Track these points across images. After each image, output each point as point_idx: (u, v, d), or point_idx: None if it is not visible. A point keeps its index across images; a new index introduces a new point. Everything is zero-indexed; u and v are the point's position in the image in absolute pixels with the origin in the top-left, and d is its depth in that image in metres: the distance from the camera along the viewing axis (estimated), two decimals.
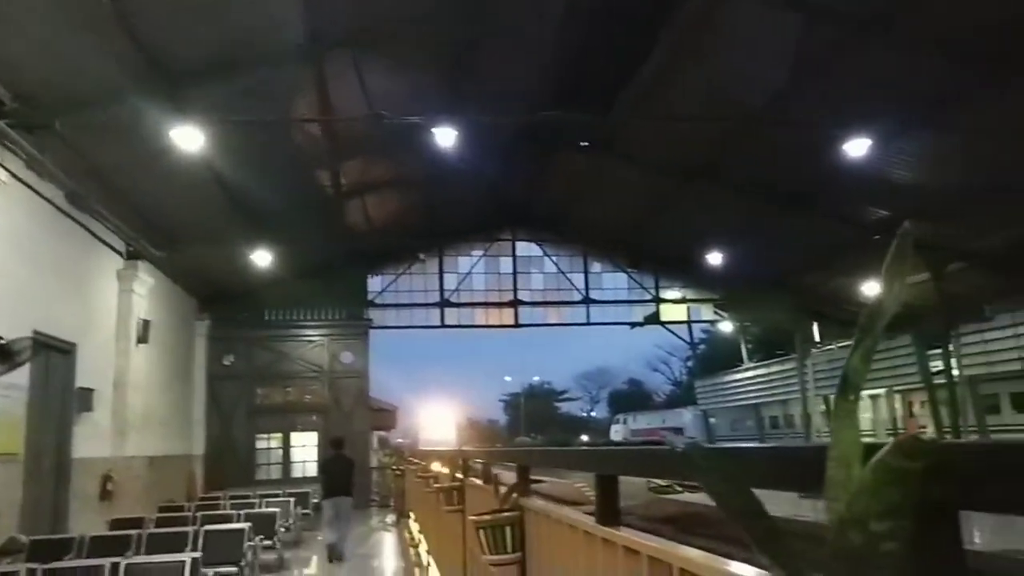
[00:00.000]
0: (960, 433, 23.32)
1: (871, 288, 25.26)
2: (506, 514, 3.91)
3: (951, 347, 23.77)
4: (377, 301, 29.47)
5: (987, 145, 16.25)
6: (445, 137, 14.61)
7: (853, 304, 28.24)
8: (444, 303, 30.07)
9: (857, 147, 15.40)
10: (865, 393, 32.80)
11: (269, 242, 20.92)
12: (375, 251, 27.86)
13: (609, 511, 2.57)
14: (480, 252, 30.56)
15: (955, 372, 23.84)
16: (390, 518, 22.30)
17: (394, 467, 25.92)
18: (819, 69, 15.62)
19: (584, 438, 76.35)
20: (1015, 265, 21.78)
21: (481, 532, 3.85)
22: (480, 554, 4.00)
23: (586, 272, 30.83)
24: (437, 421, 37.50)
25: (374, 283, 29.62)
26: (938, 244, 21.57)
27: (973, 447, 0.95)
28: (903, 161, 18.37)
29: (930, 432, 28.45)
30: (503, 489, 4.36)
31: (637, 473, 2.39)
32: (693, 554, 1.89)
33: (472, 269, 30.49)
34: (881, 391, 32.98)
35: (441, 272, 30.23)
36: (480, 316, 30.75)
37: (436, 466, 10.23)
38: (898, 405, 33.25)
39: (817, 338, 32.37)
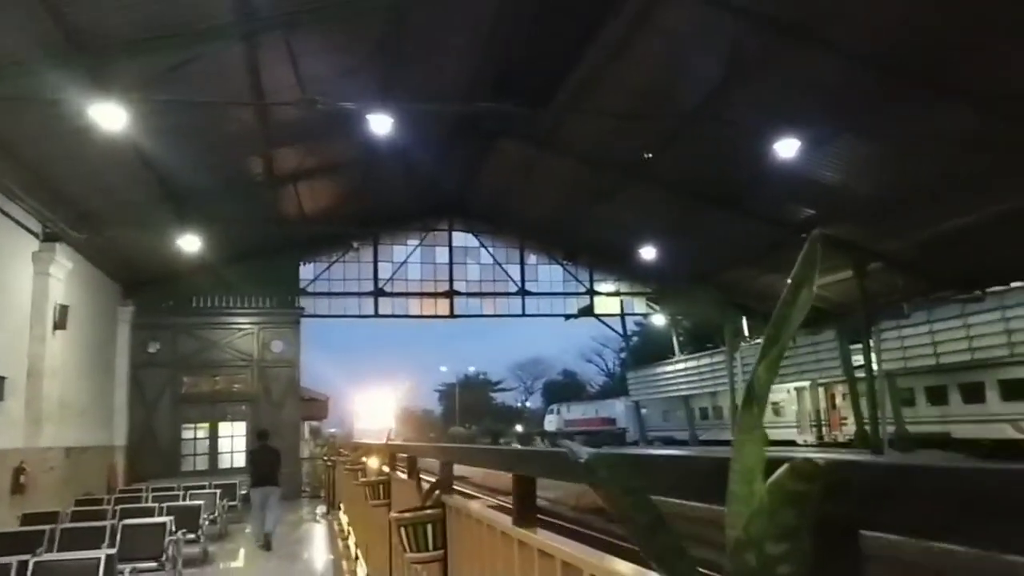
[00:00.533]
0: (878, 425, 24.18)
1: None
2: (427, 512, 3.86)
3: (871, 343, 24.63)
4: (310, 289, 28.95)
5: (907, 152, 16.88)
6: (380, 124, 14.39)
7: (779, 299, 29.02)
8: (378, 292, 29.74)
9: (787, 147, 15.80)
10: (791, 386, 34.06)
11: (198, 227, 20.29)
12: (308, 239, 27.35)
13: (526, 512, 2.55)
14: (416, 241, 30.31)
15: (874, 366, 24.72)
16: (320, 509, 21.98)
17: (325, 458, 25.59)
18: (753, 72, 15.96)
19: (518, 428, 76.78)
20: (929, 266, 22.74)
21: (402, 530, 3.79)
22: (402, 551, 3.94)
23: (522, 264, 30.91)
24: (373, 411, 37.13)
25: (306, 271, 29.07)
26: (860, 244, 22.34)
27: (870, 468, 0.95)
28: (830, 163, 18.92)
29: (851, 423, 29.55)
30: (426, 485, 4.31)
31: (552, 476, 2.35)
32: (607, 563, 1.87)
33: (408, 258, 30.22)
34: (806, 384, 34.05)
35: (376, 261, 29.88)
36: (415, 306, 30.54)
37: (365, 459, 10.10)
38: (822, 397, 34.40)
39: (746, 332, 33.19)
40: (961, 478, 0.83)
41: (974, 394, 26.40)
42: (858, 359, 26.64)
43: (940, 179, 17.64)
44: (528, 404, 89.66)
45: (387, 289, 29.83)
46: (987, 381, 25.80)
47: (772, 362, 0.99)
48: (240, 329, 26.96)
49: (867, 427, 25.43)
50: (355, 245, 28.78)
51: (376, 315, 30.21)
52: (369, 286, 29.84)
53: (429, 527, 3.80)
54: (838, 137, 17.31)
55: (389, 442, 8.09)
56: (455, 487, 4.06)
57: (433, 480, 4.32)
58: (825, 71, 15.31)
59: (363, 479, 7.95)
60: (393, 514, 4.17)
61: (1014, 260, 20.69)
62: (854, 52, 14.63)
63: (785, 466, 0.84)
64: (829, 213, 21.20)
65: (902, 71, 14.81)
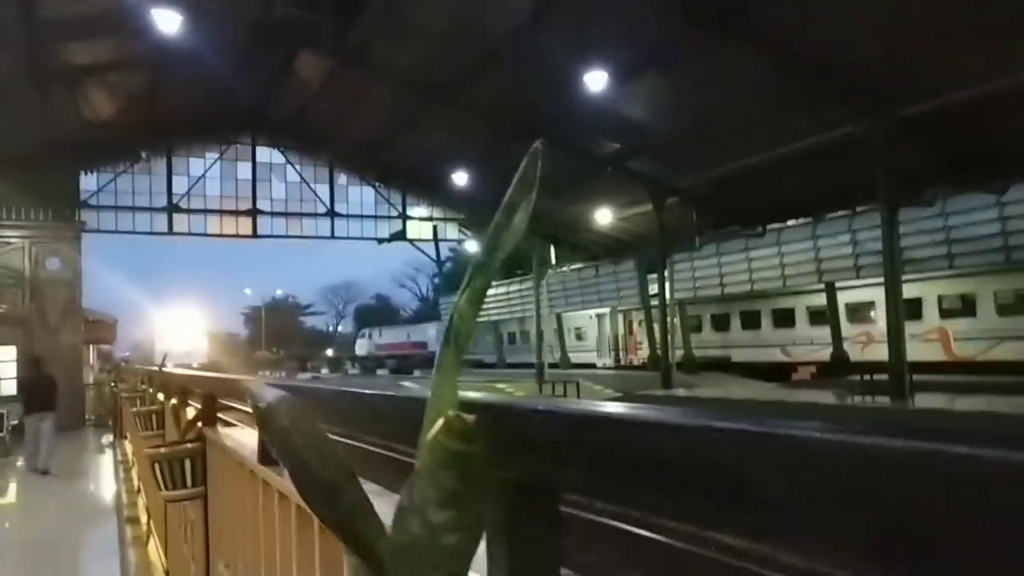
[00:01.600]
0: (669, 350, 25.96)
1: (602, 216, 27.07)
2: (185, 446, 3.51)
3: (666, 273, 26.20)
4: (92, 202, 26.28)
5: (703, 92, 17.69)
6: (168, 21, 12.95)
7: (585, 230, 30.15)
8: (173, 208, 27.59)
9: (595, 80, 16.08)
10: (593, 312, 35.81)
11: None
12: (89, 146, 24.59)
13: (268, 451, 2.31)
14: (215, 155, 28.25)
15: (668, 295, 26.39)
16: (107, 439, 20.49)
17: (113, 384, 23.78)
18: (563, 4, 15.96)
19: (329, 352, 75.67)
20: (719, 201, 24.40)
21: (157, 465, 3.43)
22: (157, 489, 3.59)
23: (331, 184, 29.79)
24: (177, 333, 34.92)
25: (89, 182, 26.31)
26: (659, 179, 23.51)
27: (548, 416, 0.80)
28: (635, 99, 19.53)
29: (645, 348, 31.64)
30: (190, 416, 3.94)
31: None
32: None
33: (206, 173, 28.16)
34: (606, 310, 35.94)
35: (170, 174, 27.58)
36: (215, 224, 28.68)
37: (144, 386, 9.35)
38: (621, 324, 36.51)
39: (553, 260, 34.30)
40: (650, 431, 0.69)
41: (752, 322, 29.06)
42: (654, 288, 28.33)
43: (732, 120, 18.71)
44: (340, 329, 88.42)
45: (183, 205, 27.72)
46: (763, 310, 28.45)
47: (476, 293, 0.79)
48: (6, 243, 24.02)
49: (660, 351, 27.28)
50: (144, 155, 26.32)
51: (170, 232, 28.10)
52: (162, 201, 27.59)
53: (188, 463, 3.46)
54: (642, 73, 17.82)
55: (162, 369, 7.48)
56: (226, 418, 3.74)
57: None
58: (631, 5, 15.57)
59: (135, 408, 7.33)
60: (147, 449, 3.79)
61: (792, 199, 22.63)
62: None
63: (439, 421, 0.68)
64: (633, 147, 22.04)
65: (698, 14, 15.37)
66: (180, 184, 27.79)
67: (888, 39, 14.70)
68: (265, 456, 2.34)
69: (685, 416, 0.67)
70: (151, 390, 7.24)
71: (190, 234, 28.37)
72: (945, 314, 22.70)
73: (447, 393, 0.85)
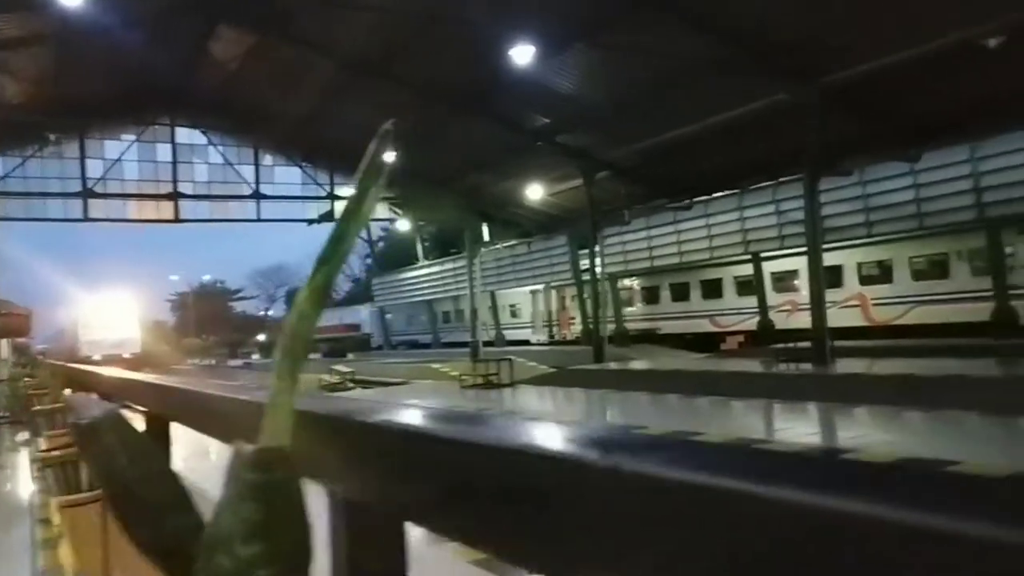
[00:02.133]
0: (600, 324, 26.20)
1: (534, 191, 27.04)
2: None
3: (597, 248, 26.36)
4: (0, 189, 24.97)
5: (631, 65, 17.73)
6: None
7: (517, 206, 30.10)
8: (88, 193, 26.41)
9: (523, 54, 15.93)
10: (527, 288, 35.90)
11: None
12: None
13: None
14: (132, 137, 27.11)
15: (599, 270, 26.59)
16: (22, 436, 19.61)
17: (28, 379, 22.76)
18: None
19: (261, 337, 74.21)
20: (647, 174, 24.63)
21: (48, 470, 3.23)
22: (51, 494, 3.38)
23: (257, 165, 28.95)
24: (106, 322, 33.17)
25: None
26: (589, 153, 23.57)
27: (362, 428, 0.72)
28: (564, 72, 19.48)
29: (579, 323, 31.91)
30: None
31: (187, 422, 1.99)
32: None
33: (122, 156, 27.00)
34: (540, 287, 36.07)
35: (83, 158, 26.36)
36: (134, 209, 27.61)
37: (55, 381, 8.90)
38: (554, 299, 36.71)
39: (486, 237, 34.18)
40: (471, 450, 0.61)
41: (681, 293, 29.57)
42: (586, 263, 28.51)
43: (660, 92, 18.84)
44: (271, 313, 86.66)
45: (98, 190, 26.56)
46: (691, 282, 28.98)
47: (318, 291, 0.69)
48: None
49: (592, 326, 27.53)
50: (52, 138, 25.06)
51: (86, 219, 26.93)
52: (77, 186, 26.39)
53: (83, 465, 3.27)
54: (571, 45, 17.76)
55: (66, 363, 7.10)
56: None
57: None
58: None
59: (39, 406, 6.98)
60: (38, 452, 3.56)
61: (719, 171, 22.98)
62: None
63: (233, 450, 0.61)
64: (563, 121, 22.01)
65: None
66: (95, 168, 26.62)
67: (808, 10, 14.96)
68: None
69: (497, 434, 0.60)
70: (57, 386, 6.88)
71: (107, 220, 27.25)
72: (864, 281, 23.50)
73: (284, 406, 0.76)
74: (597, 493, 0.43)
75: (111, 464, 0.88)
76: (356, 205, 0.76)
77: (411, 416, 0.73)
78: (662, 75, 18.05)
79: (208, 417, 1.43)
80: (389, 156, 0.79)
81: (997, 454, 7.93)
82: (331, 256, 0.74)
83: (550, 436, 0.54)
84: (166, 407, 2.00)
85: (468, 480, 0.60)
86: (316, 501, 0.91)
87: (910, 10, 14.15)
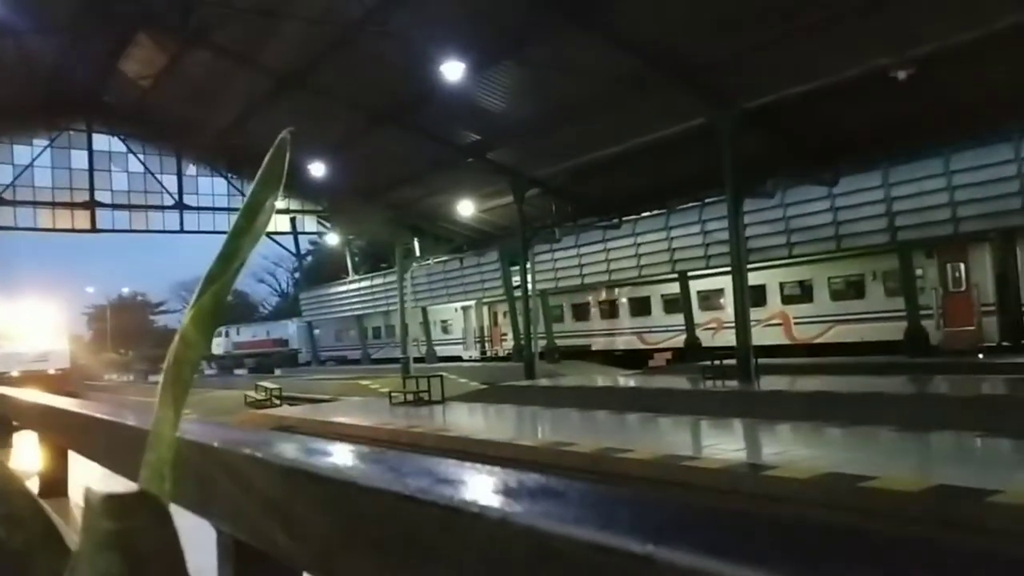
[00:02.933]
0: (531, 340, 26.27)
1: (465, 207, 27.01)
2: None
3: (528, 264, 26.47)
4: None
5: (560, 83, 17.94)
6: None
7: (449, 221, 30.02)
8: None
9: (452, 70, 15.92)
10: (459, 304, 35.77)
11: None
12: None
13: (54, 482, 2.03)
14: (45, 142, 25.98)
15: (530, 287, 26.69)
16: None
17: None
18: None
19: None
20: (577, 192, 24.91)
21: None
22: None
23: (180, 174, 28.12)
24: (23, 332, 30.16)
25: None
26: (519, 170, 23.70)
27: (244, 461, 0.65)
28: (493, 89, 19.56)
29: (511, 339, 31.92)
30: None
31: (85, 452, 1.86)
32: None
33: (34, 161, 25.84)
34: (472, 302, 35.98)
35: None
36: (47, 218, 26.42)
37: None
38: (486, 315, 36.65)
39: (418, 252, 33.93)
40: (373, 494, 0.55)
41: (610, 311, 29.93)
42: (517, 280, 28.56)
43: (589, 111, 19.10)
44: None
45: (7, 196, 25.34)
46: (620, 299, 29.36)
47: (206, 313, 0.60)
48: None
49: (524, 342, 27.56)
50: None
51: None
52: None
53: None
54: (500, 62, 17.86)
55: None
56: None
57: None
58: None
59: None
60: None
61: (646, 190, 23.39)
62: None
63: (93, 495, 0.54)
64: (493, 138, 22.08)
65: (554, 3, 15.56)
66: (4, 174, 25.39)
67: (727, 37, 15.42)
68: (49, 487, 2.06)
69: (396, 476, 0.54)
70: None
71: (16, 228, 25.99)
72: (786, 300, 24.22)
73: (166, 435, 0.68)
74: (494, 545, 0.38)
75: None
76: (249, 220, 0.68)
77: (305, 451, 0.66)
78: (589, 95, 18.32)
79: (102, 445, 1.33)
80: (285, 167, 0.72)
81: (911, 468, 8.21)
82: (220, 275, 0.66)
83: (449, 479, 0.49)
84: (60, 433, 1.86)
85: (370, 527, 0.54)
86: (206, 542, 0.83)
87: (825, 41, 14.75)
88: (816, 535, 0.31)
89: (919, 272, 20.51)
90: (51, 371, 28.38)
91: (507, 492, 0.42)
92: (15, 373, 27.04)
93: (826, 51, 14.96)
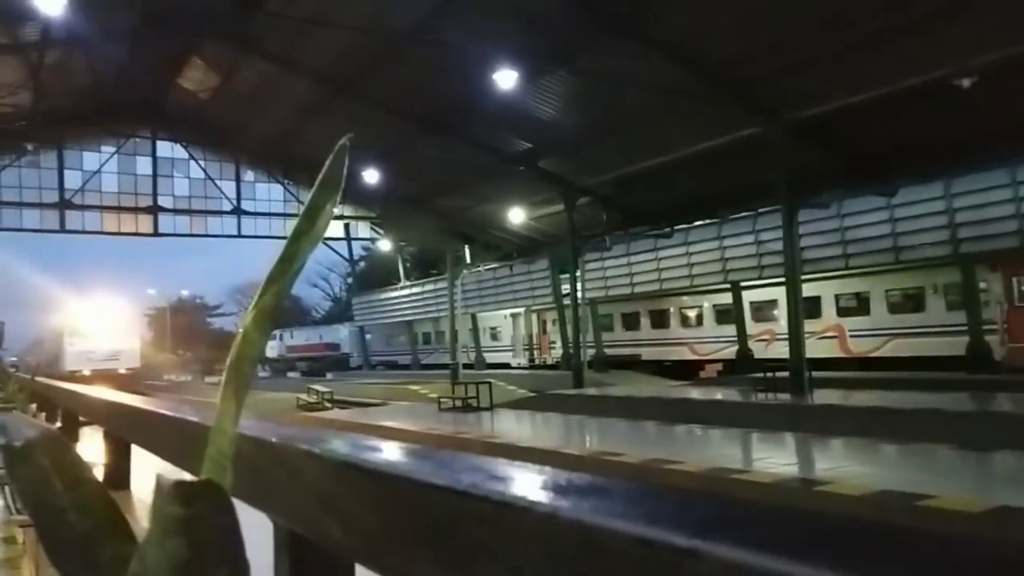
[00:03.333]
0: (580, 349, 26.21)
1: (515, 215, 27.10)
2: None
3: (578, 272, 26.42)
4: None
5: (613, 93, 17.88)
6: (51, 4, 12.14)
7: (498, 228, 30.14)
8: (65, 204, 26.12)
9: (505, 79, 15.99)
10: (508, 312, 35.85)
11: None
12: None
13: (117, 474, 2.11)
14: (112, 149, 26.91)
15: (580, 295, 26.62)
16: None
17: None
18: None
19: None
20: (628, 201, 24.78)
21: (5, 488, 3.13)
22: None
23: (238, 181, 28.84)
24: (98, 332, 30.25)
25: None
26: (570, 179, 23.68)
27: (303, 457, 0.67)
28: (545, 98, 19.59)
29: (559, 347, 31.86)
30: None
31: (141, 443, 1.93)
32: None
33: (102, 168, 26.78)
34: (521, 310, 36.04)
35: (61, 168, 26.11)
36: (112, 222, 27.34)
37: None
38: (535, 323, 36.67)
39: (468, 259, 34.14)
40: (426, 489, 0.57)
41: (661, 320, 29.65)
42: (567, 288, 28.52)
43: (642, 120, 19.01)
44: None
45: (76, 201, 26.29)
46: (671, 309, 29.07)
47: (266, 312, 0.65)
48: None
49: (572, 350, 27.49)
50: (29, 147, 24.80)
51: (63, 230, 26.62)
52: (54, 196, 26.10)
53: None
54: (553, 72, 17.89)
55: (35, 379, 6.93)
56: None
57: None
58: (536, 3, 15.59)
59: None
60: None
61: (699, 199, 23.14)
62: None
63: (160, 482, 0.55)
64: (544, 146, 22.12)
65: (608, 15, 15.53)
66: (73, 179, 26.36)
67: (787, 45, 15.18)
68: (112, 480, 2.14)
69: (453, 473, 0.56)
70: (23, 401, 6.71)
71: (85, 232, 26.95)
72: (841, 312, 23.68)
73: (227, 429, 0.72)
74: (542, 541, 0.40)
75: (44, 489, 0.83)
76: (309, 223, 0.72)
77: (360, 447, 0.68)
78: (640, 104, 18.22)
79: (161, 438, 1.38)
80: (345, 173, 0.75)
81: (971, 489, 7.95)
82: (280, 276, 0.70)
83: (499, 475, 0.51)
84: (122, 426, 1.94)
85: (421, 520, 0.56)
86: (262, 534, 0.87)
87: (884, 50, 14.42)
88: (858, 531, 0.33)
89: (982, 285, 19.87)
90: (122, 370, 28.78)
91: (555, 489, 0.44)
92: (86, 371, 27.76)
93: (885, 60, 14.62)
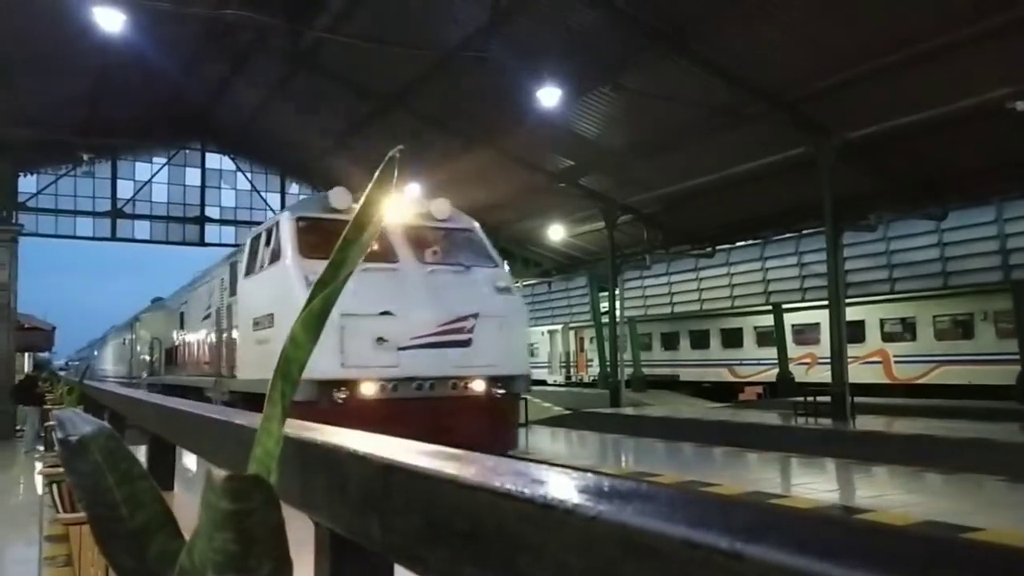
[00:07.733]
0: (617, 367, 26.02)
1: (555, 232, 27.09)
2: None
3: (617, 291, 26.31)
4: (31, 205, 25.42)
5: (656, 111, 17.82)
6: (110, 20, 12.57)
7: (537, 244, 30.15)
8: (116, 213, 26.82)
9: (549, 96, 16.06)
10: (545, 328, 35.78)
11: None
12: (27, 146, 23.75)
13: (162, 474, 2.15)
14: (163, 160, 27.59)
15: (618, 313, 26.50)
16: (42, 449, 19.67)
17: (48, 393, 22.89)
18: (517, 16, 16.00)
19: None
20: (670, 220, 24.62)
21: (53, 486, 3.21)
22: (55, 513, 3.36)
23: (283, 192, 29.32)
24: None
25: (28, 184, 25.44)
26: (611, 197, 23.62)
27: (348, 458, 0.69)
28: (587, 116, 19.60)
29: (596, 365, 31.69)
30: None
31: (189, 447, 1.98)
32: None
33: (153, 178, 27.46)
34: (558, 327, 35.98)
35: (114, 178, 26.83)
36: (160, 231, 27.99)
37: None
38: (572, 340, 36.57)
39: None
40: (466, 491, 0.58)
41: (700, 341, 29.35)
42: (605, 306, 28.41)
43: (684, 139, 18.91)
44: None
45: (127, 211, 26.98)
46: (711, 329, 28.76)
47: (314, 317, 0.67)
48: None
49: (609, 369, 27.34)
50: (85, 157, 25.53)
51: (114, 238, 27.32)
52: (106, 205, 26.83)
53: None
54: (596, 89, 17.91)
55: (82, 381, 7.13)
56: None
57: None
58: (582, 21, 15.65)
59: (48, 422, 7.00)
60: (45, 468, 3.55)
61: (741, 220, 22.93)
62: (609, 2, 15.08)
63: (211, 477, 0.59)
64: (586, 163, 22.12)
65: (653, 33, 15.52)
66: (125, 189, 27.07)
67: (838, 63, 15.00)
68: (158, 480, 2.18)
69: (496, 477, 0.57)
70: (71, 402, 6.89)
71: (134, 240, 27.63)
72: (886, 337, 23.20)
73: (274, 432, 0.75)
74: (580, 542, 0.40)
75: (97, 484, 0.86)
76: (357, 232, 0.74)
77: (402, 450, 0.70)
78: (684, 123, 18.12)
79: (207, 441, 1.42)
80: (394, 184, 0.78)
81: (1021, 521, 7.70)
82: (330, 281, 0.72)
83: (542, 479, 0.51)
84: (168, 429, 1.98)
85: (464, 522, 0.57)
86: (303, 533, 0.88)
87: (936, 71, 14.16)
88: (903, 540, 0.33)
89: None
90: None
91: (599, 493, 0.44)
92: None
93: (937, 81, 14.36)
